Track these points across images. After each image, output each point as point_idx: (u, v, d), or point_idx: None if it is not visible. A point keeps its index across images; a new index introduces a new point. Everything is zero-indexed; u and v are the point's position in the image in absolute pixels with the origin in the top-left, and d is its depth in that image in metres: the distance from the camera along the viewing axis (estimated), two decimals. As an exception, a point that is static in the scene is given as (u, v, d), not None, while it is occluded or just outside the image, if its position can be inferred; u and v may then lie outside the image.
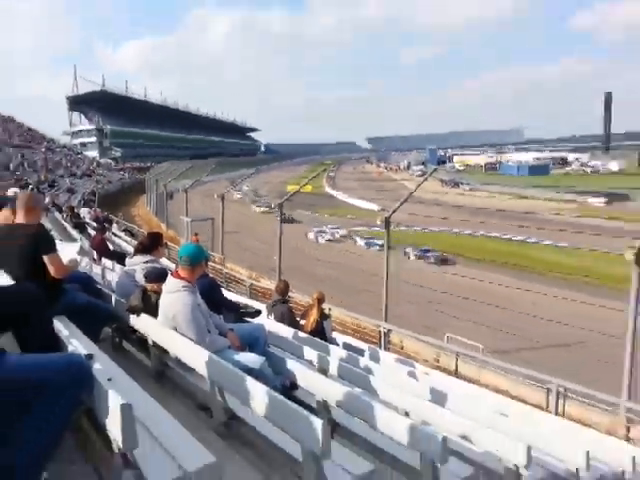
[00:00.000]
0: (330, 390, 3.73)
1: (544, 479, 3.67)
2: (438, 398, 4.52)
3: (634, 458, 4.29)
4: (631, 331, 7.57)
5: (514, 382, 8.80)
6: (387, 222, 11.36)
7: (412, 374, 6.01)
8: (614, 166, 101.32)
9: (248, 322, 5.30)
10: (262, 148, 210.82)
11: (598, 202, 56.53)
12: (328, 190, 79.88)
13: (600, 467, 4.24)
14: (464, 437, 3.72)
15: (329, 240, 39.90)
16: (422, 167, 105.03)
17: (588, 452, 3.82)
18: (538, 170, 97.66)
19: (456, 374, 8.93)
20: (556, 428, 5.00)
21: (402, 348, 12.18)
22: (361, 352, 6.66)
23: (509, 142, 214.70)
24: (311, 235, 40.22)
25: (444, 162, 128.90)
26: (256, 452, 3.08)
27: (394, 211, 11.30)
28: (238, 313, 5.53)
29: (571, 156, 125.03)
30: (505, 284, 25.87)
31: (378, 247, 31.99)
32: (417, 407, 4.04)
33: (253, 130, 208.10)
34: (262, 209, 48.70)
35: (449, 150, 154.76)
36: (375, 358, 6.59)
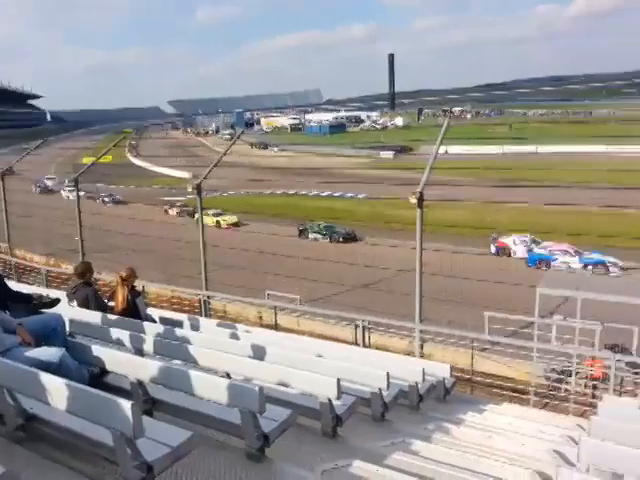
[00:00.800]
0: (144, 368, 3.60)
1: (354, 404, 4.11)
2: (259, 353, 4.70)
3: (423, 370, 5.07)
4: (418, 264, 8.73)
5: (328, 324, 9.61)
6: (199, 188, 11.13)
7: (234, 335, 6.11)
8: (399, 122, 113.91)
9: (44, 313, 4.74)
10: (48, 117, 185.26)
11: (387, 155, 63.22)
12: (132, 160, 74.51)
13: (399, 383, 4.92)
14: (283, 384, 3.95)
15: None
16: (231, 130, 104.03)
17: (388, 373, 4.40)
18: (337, 129, 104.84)
19: (276, 327, 9.37)
20: (363, 358, 5.61)
21: (225, 312, 12.30)
22: (180, 324, 6.53)
23: (310, 103, 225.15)
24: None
25: (252, 125, 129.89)
26: (63, 449, 2.84)
27: (204, 177, 11.08)
28: (30, 305, 4.89)
29: (364, 114, 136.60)
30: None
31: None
32: (237, 366, 4.15)
33: (34, 97, 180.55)
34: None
35: (255, 113, 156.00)
36: (195, 327, 6.53)
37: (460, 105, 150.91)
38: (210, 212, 32.92)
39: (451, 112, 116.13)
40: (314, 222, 29.50)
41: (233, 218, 33.07)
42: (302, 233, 29.11)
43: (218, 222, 32.36)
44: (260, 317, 11.21)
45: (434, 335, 8.73)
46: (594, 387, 8.01)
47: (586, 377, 8.80)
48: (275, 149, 77.74)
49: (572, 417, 6.50)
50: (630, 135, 51.62)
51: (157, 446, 2.63)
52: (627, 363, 7.32)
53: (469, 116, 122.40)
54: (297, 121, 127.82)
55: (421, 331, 8.21)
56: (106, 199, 43.48)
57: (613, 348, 9.91)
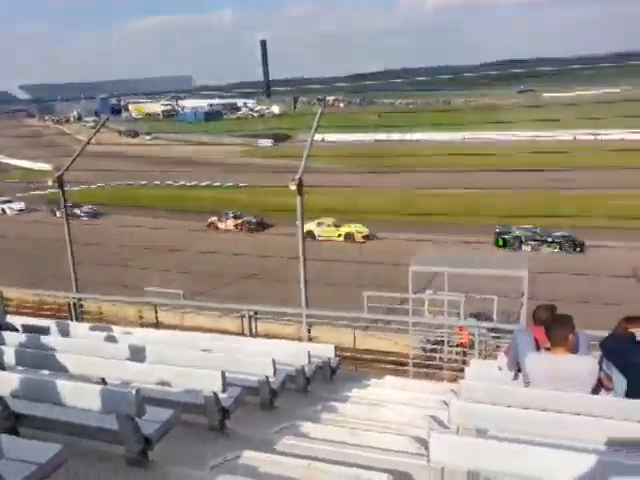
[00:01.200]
0: (3, 382, 3.23)
1: (241, 395, 4.06)
2: (139, 354, 4.44)
3: (309, 352, 5.18)
4: (301, 250, 8.85)
5: (215, 318, 9.40)
6: (61, 181, 10.21)
7: (110, 338, 5.72)
8: (276, 110, 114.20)
9: None
10: None
11: (266, 143, 63.19)
12: (-22, 152, 65.87)
13: (286, 369, 4.97)
14: (165, 383, 3.78)
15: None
16: (95, 118, 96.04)
17: (274, 360, 4.41)
18: (213, 116, 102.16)
19: (157, 325, 8.94)
20: (250, 348, 5.57)
21: (102, 314, 11.49)
22: (46, 331, 5.93)
23: (182, 89, 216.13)
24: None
25: (119, 111, 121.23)
26: None
27: (67, 168, 10.18)
28: None
29: (240, 102, 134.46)
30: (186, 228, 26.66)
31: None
32: (113, 370, 3.88)
33: None
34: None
35: (122, 99, 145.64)
36: (65, 333, 5.99)
37: (333, 94, 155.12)
38: (328, 222, 25.03)
39: (325, 101, 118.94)
40: (507, 227, 23.03)
41: (364, 228, 24.78)
42: (507, 244, 22.02)
43: (349, 234, 24.56)
44: (141, 316, 10.60)
45: (329, 319, 8.85)
46: (464, 353, 8.80)
47: (456, 345, 9.67)
48: (147, 137, 73.53)
49: (446, 383, 7.07)
50: (485, 122, 57.44)
51: (21, 465, 2.37)
52: (489, 329, 8.17)
53: (342, 105, 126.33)
54: (170, 107, 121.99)
55: (308, 315, 8.37)
56: (76, 211, 28.94)
57: (477, 316, 11.01)
